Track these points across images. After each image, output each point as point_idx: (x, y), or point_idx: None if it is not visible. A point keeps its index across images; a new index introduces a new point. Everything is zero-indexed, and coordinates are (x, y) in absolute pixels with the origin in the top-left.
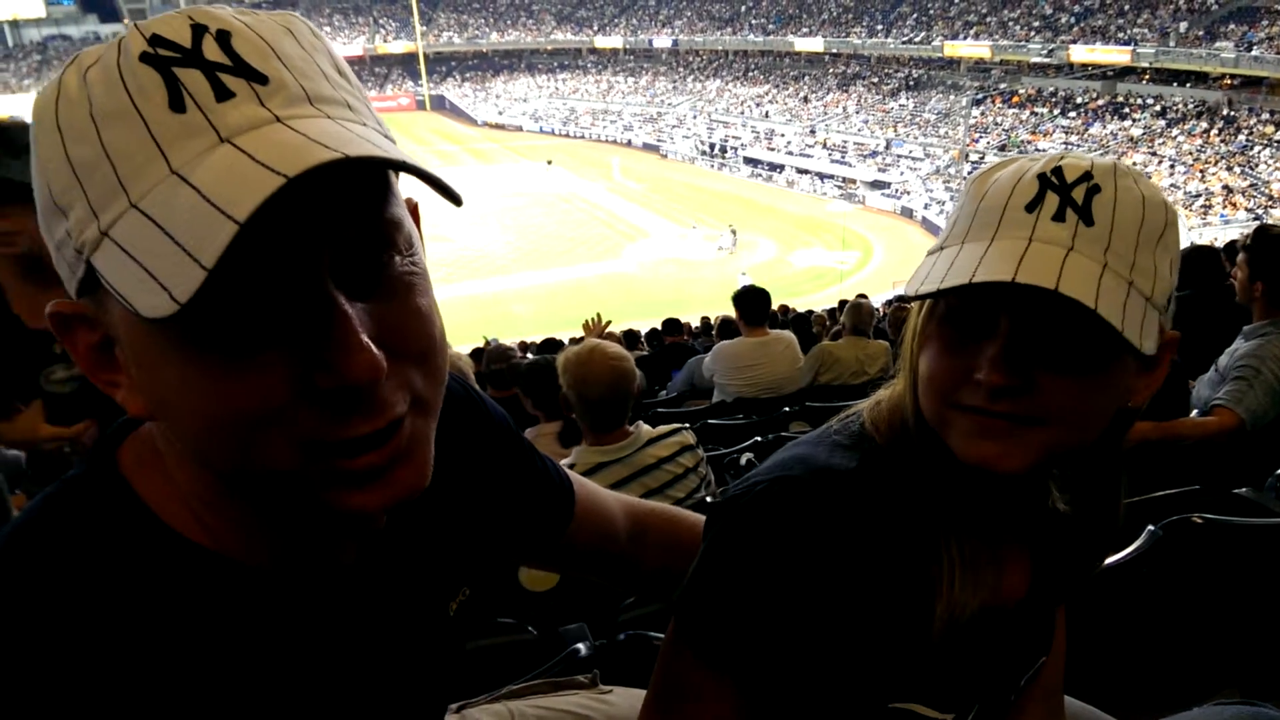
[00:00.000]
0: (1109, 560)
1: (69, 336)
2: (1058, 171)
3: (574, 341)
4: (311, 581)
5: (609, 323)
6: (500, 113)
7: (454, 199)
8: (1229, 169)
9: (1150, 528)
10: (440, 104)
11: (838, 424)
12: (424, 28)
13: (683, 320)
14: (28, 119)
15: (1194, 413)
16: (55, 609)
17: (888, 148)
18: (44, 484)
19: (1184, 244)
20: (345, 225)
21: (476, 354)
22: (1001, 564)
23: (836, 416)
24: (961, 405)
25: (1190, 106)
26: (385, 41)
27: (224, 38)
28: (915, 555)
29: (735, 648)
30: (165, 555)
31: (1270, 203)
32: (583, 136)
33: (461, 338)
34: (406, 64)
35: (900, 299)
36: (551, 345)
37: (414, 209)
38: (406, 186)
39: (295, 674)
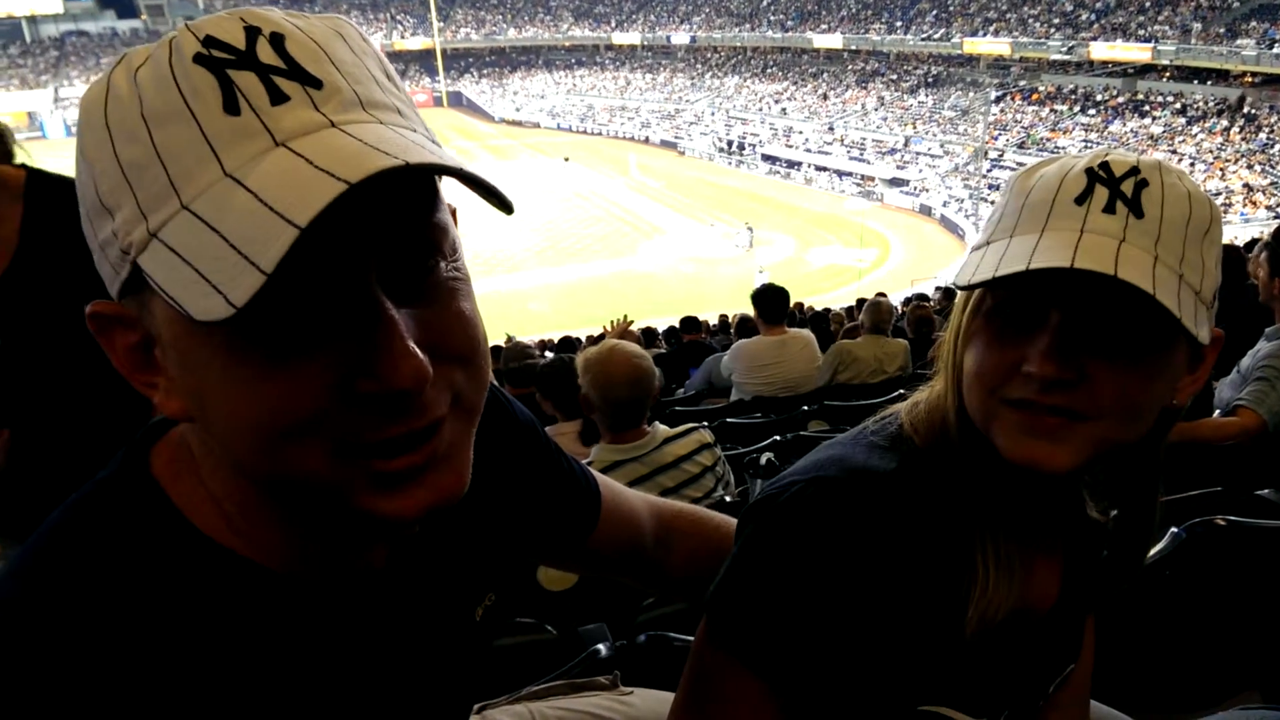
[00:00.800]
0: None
1: (107, 337)
2: (1105, 166)
3: (591, 340)
4: (341, 588)
5: (631, 322)
6: (518, 109)
7: (506, 207)
8: (1249, 167)
9: (1173, 530)
10: (458, 100)
11: (874, 425)
12: (441, 24)
13: (700, 318)
14: (44, 115)
15: (1216, 414)
16: (87, 613)
17: (906, 145)
18: None
19: None
20: (395, 232)
21: (495, 351)
22: (1033, 567)
23: (872, 418)
24: (1010, 399)
25: (1211, 104)
26: (403, 38)
27: (278, 40)
28: (951, 557)
29: (769, 648)
30: (196, 560)
31: None
32: (600, 133)
33: None
34: (424, 60)
35: (920, 297)
36: (569, 344)
37: (452, 213)
38: (446, 191)
39: (321, 678)
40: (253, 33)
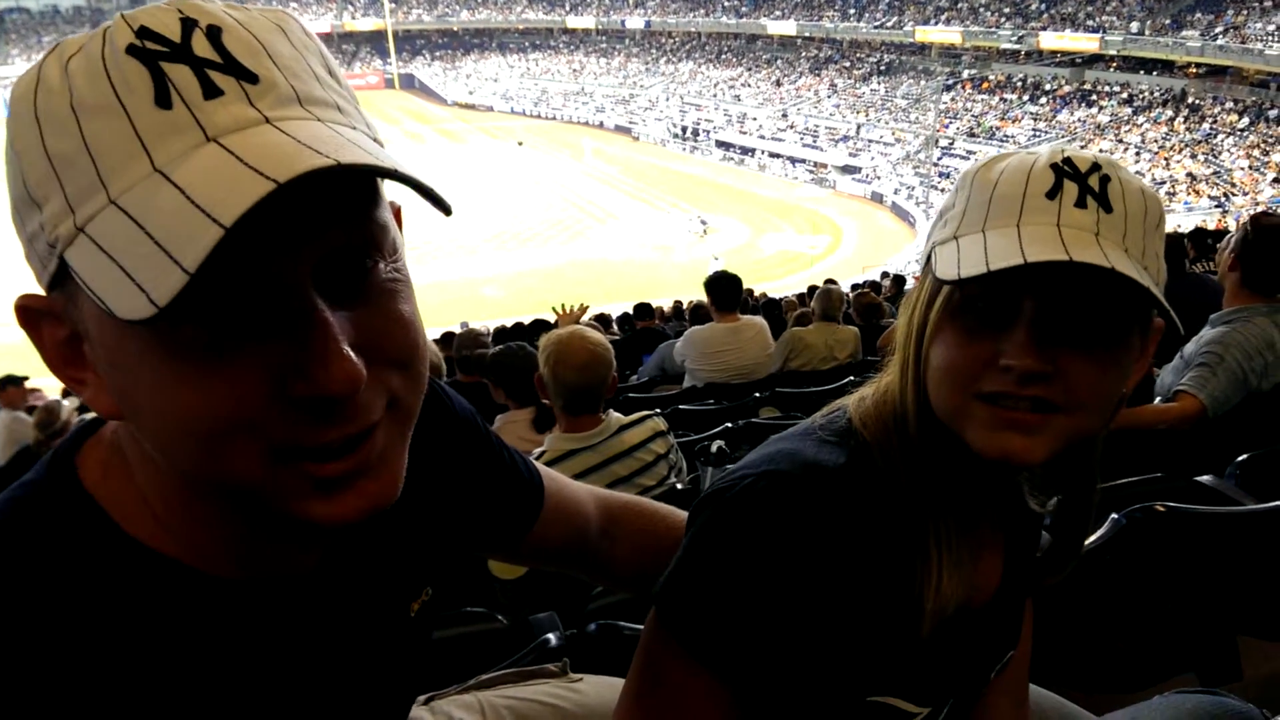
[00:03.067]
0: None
1: (35, 331)
2: (1069, 162)
3: (535, 325)
4: (273, 590)
5: (585, 308)
6: (471, 92)
7: (444, 209)
8: (1193, 157)
9: (1114, 515)
10: (409, 83)
11: (823, 419)
12: (393, 5)
13: (654, 305)
14: None
15: (1157, 399)
16: (10, 623)
17: (858, 132)
18: None
19: None
20: (331, 232)
21: (448, 338)
22: (980, 558)
23: (821, 411)
24: (984, 394)
25: (1156, 94)
26: (353, 18)
27: (215, 33)
28: (901, 552)
29: (718, 641)
30: (124, 563)
31: (1233, 190)
32: (554, 118)
33: (432, 321)
34: (375, 41)
35: (870, 284)
36: (522, 331)
37: (397, 212)
38: (390, 190)
39: (255, 680)
40: (189, 25)
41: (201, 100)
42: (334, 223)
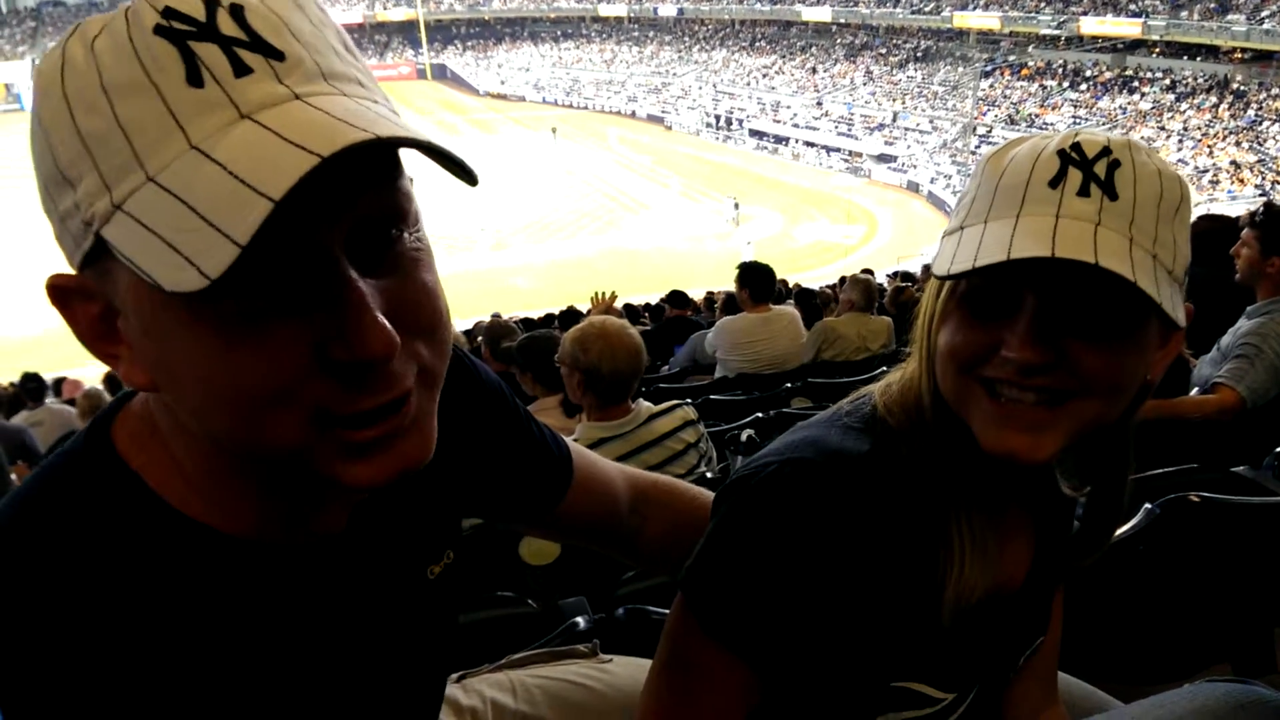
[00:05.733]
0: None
1: (68, 309)
2: (1077, 147)
3: (567, 315)
4: (300, 552)
5: (614, 296)
6: (502, 82)
7: (471, 179)
8: (1238, 144)
9: (1147, 505)
10: (441, 73)
11: (848, 406)
12: None
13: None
14: (22, 86)
15: (1194, 391)
16: (50, 583)
17: (894, 120)
18: None
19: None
20: (361, 202)
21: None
22: (1005, 546)
23: (847, 398)
24: (984, 377)
25: (1200, 80)
26: (385, 9)
27: (238, 12)
28: (924, 539)
29: (742, 626)
30: (155, 526)
31: (1279, 178)
32: (586, 107)
33: (463, 311)
34: (407, 32)
35: (904, 275)
36: (554, 322)
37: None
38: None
39: (284, 642)
40: (212, 4)
41: (232, 78)
42: (363, 193)
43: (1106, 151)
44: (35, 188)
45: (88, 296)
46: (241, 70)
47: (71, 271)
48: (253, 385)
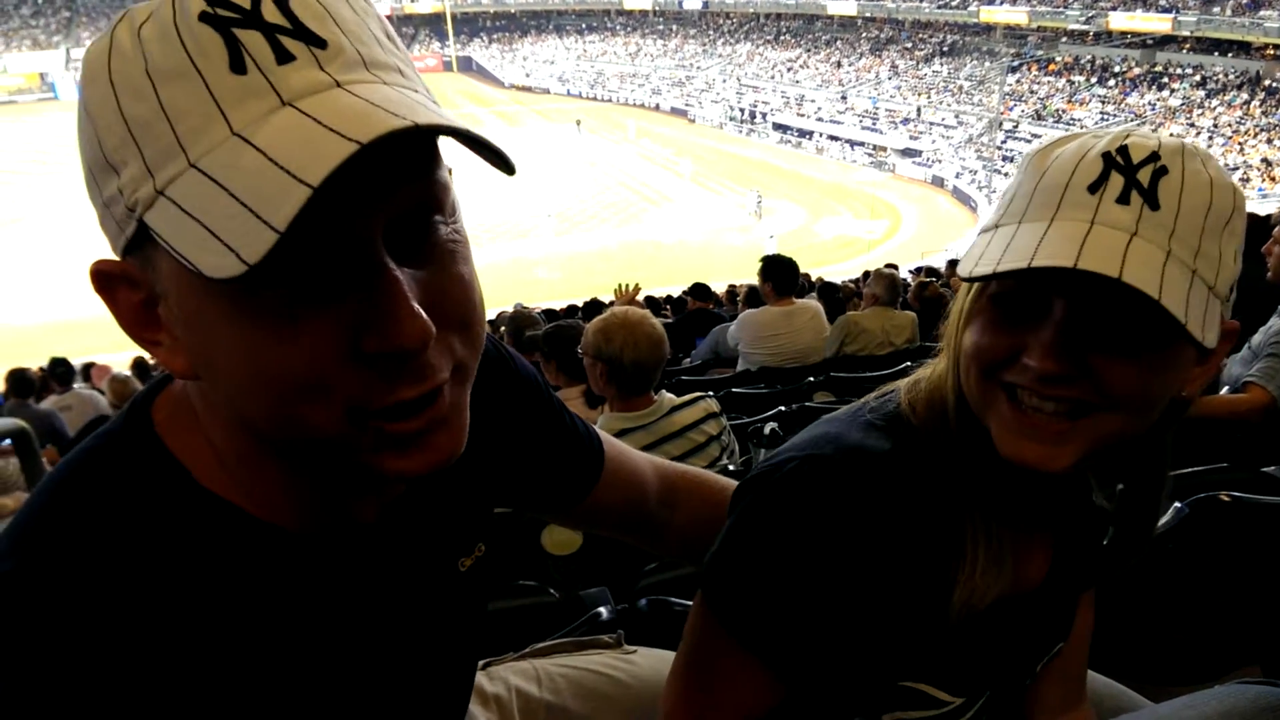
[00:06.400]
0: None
1: (110, 295)
2: (1123, 151)
3: (590, 306)
4: (333, 541)
5: (638, 288)
6: (527, 75)
7: (508, 168)
8: (1269, 141)
9: (1177, 504)
10: (467, 65)
11: (874, 402)
12: None
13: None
14: (56, 75)
15: (1224, 390)
16: (88, 562)
17: (919, 115)
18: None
19: None
20: (400, 191)
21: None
22: (1023, 553)
23: (873, 393)
24: (1005, 382)
25: (1231, 77)
26: (413, 1)
27: (282, 0)
28: (941, 541)
29: (758, 622)
30: (193, 509)
31: None
32: (610, 100)
33: (486, 301)
34: (433, 24)
35: (929, 270)
36: (573, 312)
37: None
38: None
39: (315, 629)
40: None
41: (274, 65)
42: (402, 183)
43: (1155, 157)
44: (80, 174)
45: (131, 283)
46: (284, 57)
47: (115, 258)
48: (290, 375)
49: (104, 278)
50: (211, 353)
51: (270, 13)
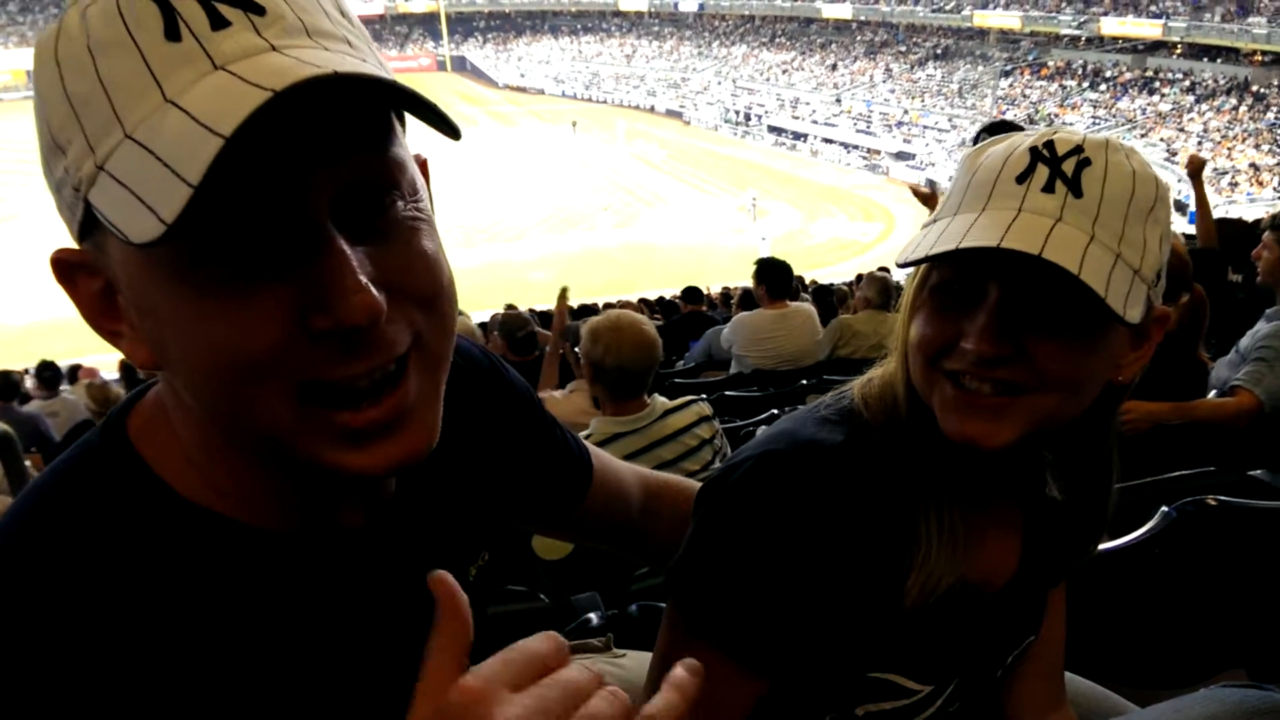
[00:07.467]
0: (1122, 541)
1: (71, 284)
2: (1049, 145)
3: (581, 311)
4: (319, 545)
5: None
6: (522, 75)
7: (453, 132)
8: (1257, 146)
9: (1164, 508)
10: (461, 65)
11: (830, 399)
12: None
13: (703, 290)
14: None
15: (1212, 393)
16: (64, 581)
17: (906, 114)
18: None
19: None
20: (344, 156)
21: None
22: (985, 541)
23: (830, 392)
24: (948, 370)
25: (1220, 82)
26: (406, 1)
27: None
28: (896, 529)
29: (724, 620)
30: (169, 520)
31: None
32: (605, 101)
33: (479, 304)
34: (427, 23)
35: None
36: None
37: (423, 164)
38: (416, 142)
39: (306, 638)
40: None
41: (210, 31)
42: (348, 151)
43: (1078, 150)
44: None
45: (89, 271)
46: (219, 24)
47: (74, 246)
48: (235, 353)
49: (63, 266)
50: (163, 338)
51: None
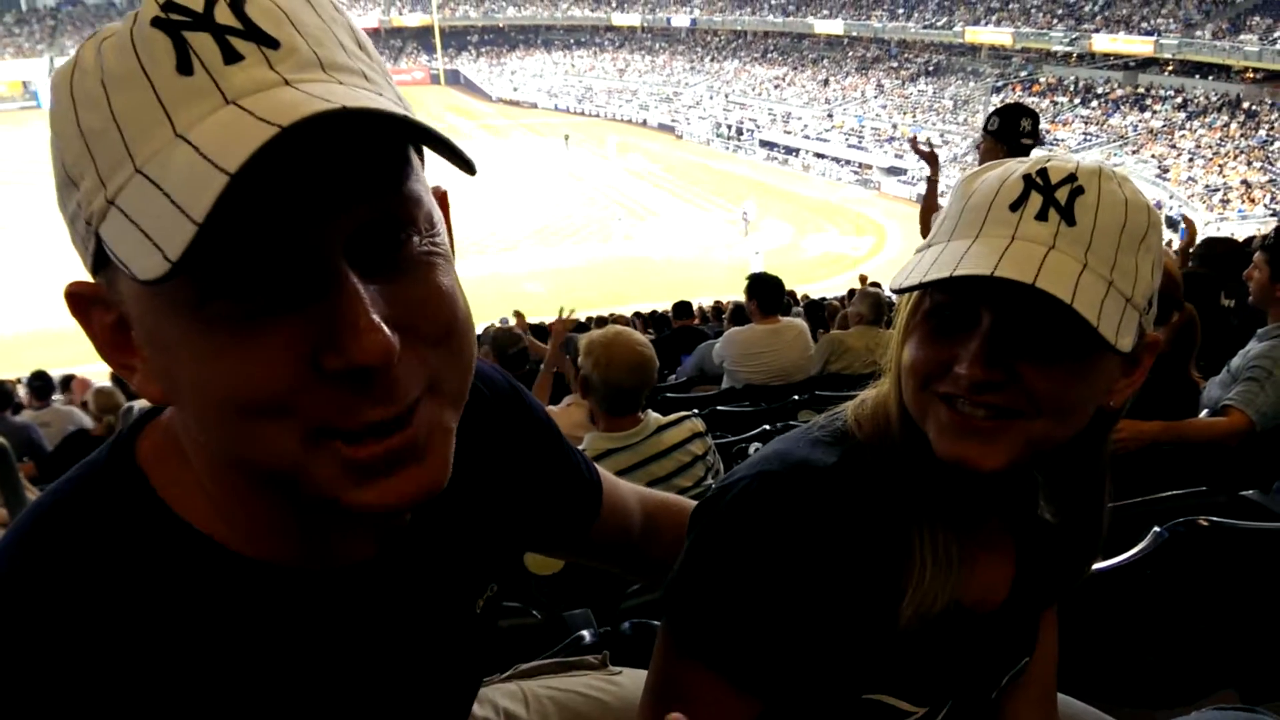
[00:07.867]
0: (1113, 561)
1: (86, 318)
2: (1043, 173)
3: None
4: (330, 577)
5: (574, 310)
6: (515, 89)
7: (468, 167)
8: (1249, 163)
9: (1156, 529)
10: (455, 79)
11: (823, 420)
12: (440, 0)
13: (695, 304)
14: (39, 84)
15: (1204, 413)
16: (65, 604)
17: (895, 128)
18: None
19: (1201, 237)
20: (359, 195)
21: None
22: (977, 563)
23: (823, 414)
24: (940, 393)
25: (1212, 99)
26: (400, 14)
27: (238, 3)
28: (890, 550)
29: (718, 640)
30: (177, 549)
31: None
32: (597, 115)
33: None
34: (421, 37)
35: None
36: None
37: (442, 197)
38: (436, 175)
39: (313, 670)
40: None
41: (222, 65)
42: (360, 186)
43: (1072, 178)
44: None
45: (103, 305)
46: (232, 57)
47: (89, 279)
48: (245, 392)
49: (78, 300)
50: (174, 373)
51: (223, 15)
